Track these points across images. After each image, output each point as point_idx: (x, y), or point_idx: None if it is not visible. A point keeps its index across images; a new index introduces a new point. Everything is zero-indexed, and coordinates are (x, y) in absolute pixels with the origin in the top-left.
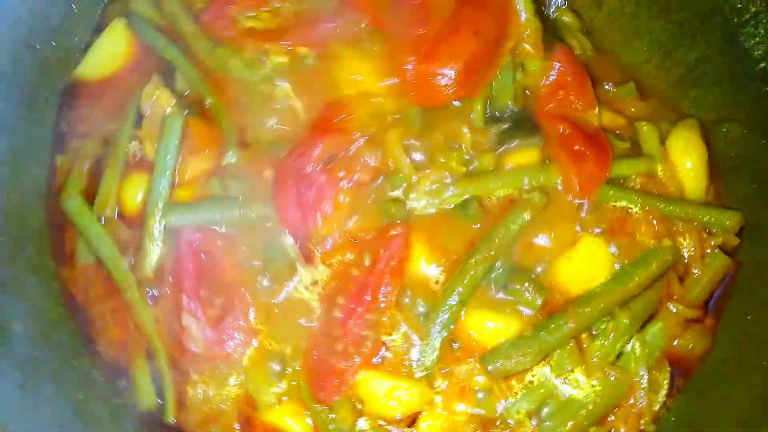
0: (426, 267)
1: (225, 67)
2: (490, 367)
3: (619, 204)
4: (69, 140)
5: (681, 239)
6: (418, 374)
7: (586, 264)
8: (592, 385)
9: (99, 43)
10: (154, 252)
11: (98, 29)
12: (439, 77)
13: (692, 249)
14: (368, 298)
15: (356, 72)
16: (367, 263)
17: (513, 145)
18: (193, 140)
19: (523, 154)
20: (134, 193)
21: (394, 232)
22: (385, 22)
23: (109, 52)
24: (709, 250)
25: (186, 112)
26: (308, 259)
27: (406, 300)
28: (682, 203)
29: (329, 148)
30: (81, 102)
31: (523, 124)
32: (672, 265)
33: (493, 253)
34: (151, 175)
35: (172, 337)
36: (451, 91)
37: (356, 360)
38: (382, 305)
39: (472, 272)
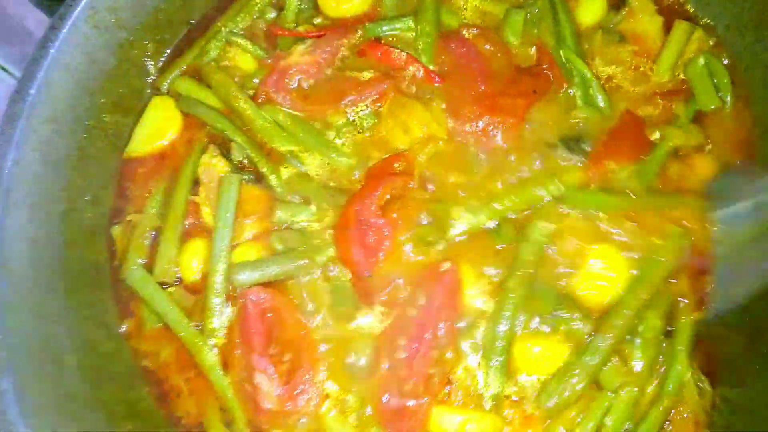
0: (475, 295)
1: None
2: (547, 405)
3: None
4: (124, 213)
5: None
6: (486, 405)
7: (602, 273)
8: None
9: (143, 120)
10: (218, 308)
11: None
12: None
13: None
14: (428, 337)
15: (422, 121)
16: (422, 302)
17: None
18: (245, 204)
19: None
20: (193, 259)
21: (445, 267)
22: (447, 79)
23: (155, 128)
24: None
25: (242, 176)
26: (368, 302)
27: (463, 331)
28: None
29: (388, 190)
30: (134, 177)
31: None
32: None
33: (529, 270)
34: (209, 240)
35: (245, 398)
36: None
37: (426, 399)
38: (444, 341)
39: (512, 295)
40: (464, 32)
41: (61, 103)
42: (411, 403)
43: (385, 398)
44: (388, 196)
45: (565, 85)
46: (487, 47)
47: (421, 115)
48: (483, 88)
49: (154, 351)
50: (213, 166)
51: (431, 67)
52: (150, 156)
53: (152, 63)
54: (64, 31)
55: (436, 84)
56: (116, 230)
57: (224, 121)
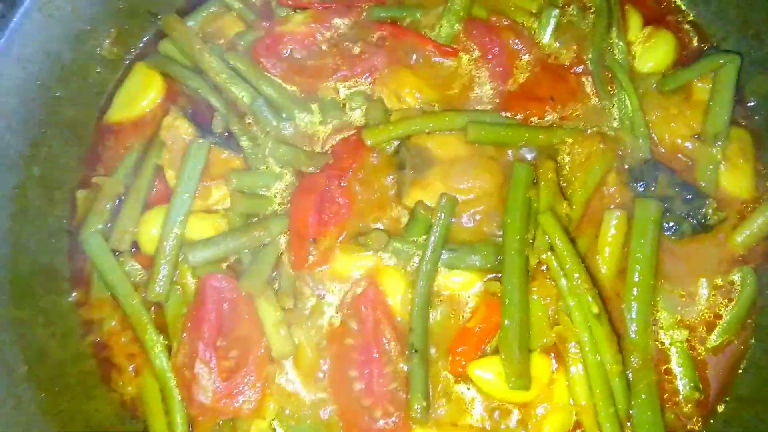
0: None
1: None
2: None
3: None
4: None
5: None
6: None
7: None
8: None
9: (123, 86)
10: (165, 275)
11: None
12: None
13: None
14: (377, 356)
15: (414, 87)
16: (355, 327)
17: None
18: (212, 168)
19: None
20: (153, 227)
21: (361, 289)
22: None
23: (135, 94)
24: None
25: (210, 140)
26: (297, 265)
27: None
28: None
29: (360, 168)
30: (109, 142)
31: None
32: None
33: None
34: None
35: (182, 383)
36: None
37: (398, 413)
38: (393, 353)
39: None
40: (493, 20)
41: (12, 98)
42: (387, 425)
43: (362, 428)
44: (360, 176)
45: (595, 99)
46: (514, 43)
47: (413, 82)
48: (499, 84)
49: (100, 320)
50: (176, 128)
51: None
52: (129, 122)
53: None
54: (15, 20)
55: (449, 54)
56: (81, 195)
57: (197, 78)
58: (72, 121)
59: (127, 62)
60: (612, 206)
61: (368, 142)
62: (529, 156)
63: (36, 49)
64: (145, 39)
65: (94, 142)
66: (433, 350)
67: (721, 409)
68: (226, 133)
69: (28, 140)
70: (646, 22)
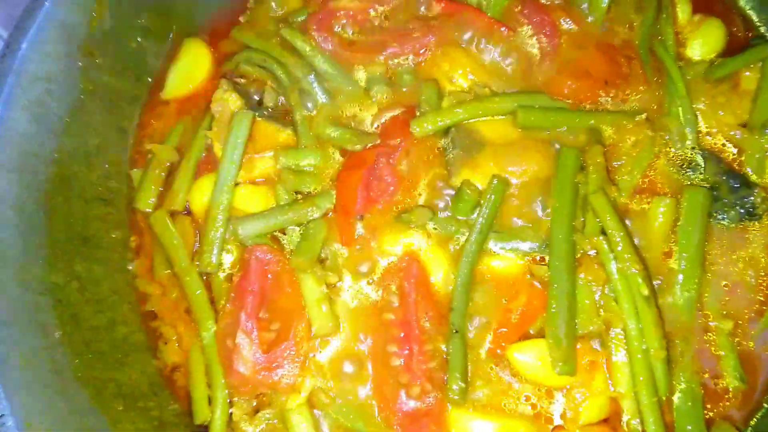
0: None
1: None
2: None
3: None
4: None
5: None
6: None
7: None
8: None
9: (176, 64)
10: (218, 243)
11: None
12: None
13: None
14: (417, 332)
15: (462, 65)
16: (395, 303)
17: None
18: (259, 141)
19: None
20: (204, 194)
21: (404, 263)
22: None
23: (187, 70)
24: None
25: (255, 112)
26: (345, 242)
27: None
28: None
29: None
30: (163, 118)
31: None
32: None
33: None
34: None
35: (223, 353)
36: None
37: (436, 394)
38: (432, 332)
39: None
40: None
41: (54, 62)
42: (423, 403)
43: (397, 408)
44: (409, 154)
45: (643, 85)
46: (565, 22)
47: (466, 62)
48: (549, 66)
49: (158, 294)
50: (225, 100)
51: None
52: (183, 98)
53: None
54: None
55: (503, 33)
56: (136, 173)
57: (254, 52)
58: (113, 91)
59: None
60: (660, 193)
61: (416, 131)
62: (575, 139)
63: (80, 16)
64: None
65: (139, 114)
66: (473, 331)
67: None
68: (276, 107)
69: (67, 107)
70: (695, 9)
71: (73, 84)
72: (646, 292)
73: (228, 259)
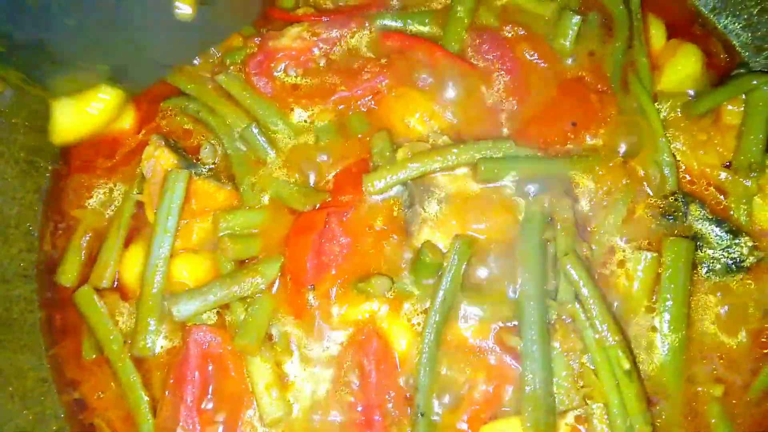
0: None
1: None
2: None
3: None
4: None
5: None
6: None
7: None
8: None
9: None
10: (152, 328)
11: None
12: None
13: None
14: (380, 417)
15: (418, 108)
16: (355, 383)
17: None
18: (198, 203)
19: None
20: (136, 265)
21: (363, 336)
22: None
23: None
24: None
25: (192, 170)
26: (298, 315)
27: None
28: None
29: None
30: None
31: None
32: None
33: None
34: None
35: None
36: None
37: None
38: (396, 413)
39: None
40: (504, 31)
41: None
42: None
43: None
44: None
45: (612, 113)
46: (529, 54)
47: (422, 105)
48: (514, 105)
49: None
50: (157, 158)
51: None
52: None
53: None
54: None
55: (462, 69)
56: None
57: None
58: (31, 151)
59: None
60: (638, 247)
61: (369, 189)
62: (541, 192)
63: None
64: None
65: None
66: (440, 411)
67: None
68: (215, 164)
69: None
70: (671, 34)
71: None
72: (627, 365)
73: (165, 340)
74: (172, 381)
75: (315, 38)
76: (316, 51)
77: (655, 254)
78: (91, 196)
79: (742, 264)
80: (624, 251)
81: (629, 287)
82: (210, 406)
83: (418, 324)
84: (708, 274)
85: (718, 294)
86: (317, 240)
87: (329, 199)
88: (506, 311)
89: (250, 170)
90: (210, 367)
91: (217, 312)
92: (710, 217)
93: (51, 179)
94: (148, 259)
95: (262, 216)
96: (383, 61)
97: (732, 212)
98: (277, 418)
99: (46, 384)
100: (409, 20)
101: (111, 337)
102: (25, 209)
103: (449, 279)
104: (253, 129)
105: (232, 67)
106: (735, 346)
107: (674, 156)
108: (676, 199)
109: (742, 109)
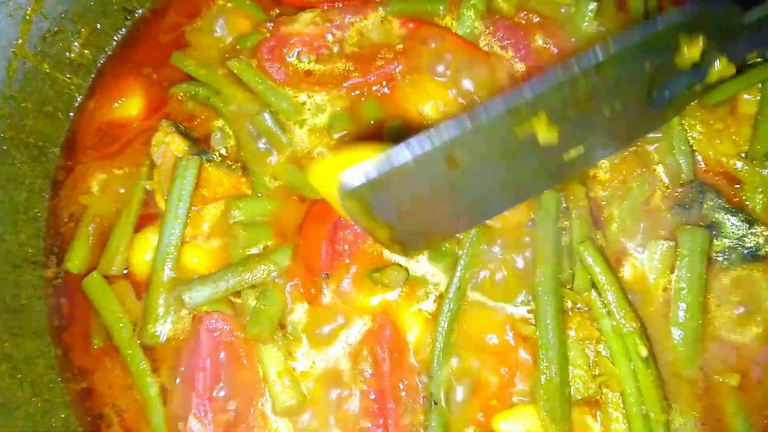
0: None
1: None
2: None
3: None
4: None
5: None
6: None
7: None
8: None
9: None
10: (161, 315)
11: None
12: None
13: None
14: (393, 405)
15: (432, 96)
16: (368, 371)
17: None
18: (208, 190)
19: None
20: (146, 252)
21: (376, 324)
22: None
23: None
24: None
25: (203, 157)
26: (309, 300)
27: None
28: None
29: None
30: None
31: None
32: None
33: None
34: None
35: None
36: None
37: None
38: (410, 402)
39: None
40: (519, 18)
41: None
42: None
43: None
44: None
45: None
46: (544, 42)
47: (436, 92)
48: None
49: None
50: (167, 144)
51: None
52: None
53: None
54: None
55: (477, 56)
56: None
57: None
58: (39, 136)
59: (100, 65)
60: (654, 236)
61: None
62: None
63: None
64: (117, 38)
65: (64, 159)
66: (454, 399)
67: None
68: (226, 150)
69: None
70: None
71: None
72: (644, 352)
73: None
74: (183, 369)
75: (328, 24)
76: (329, 37)
77: (671, 243)
78: (100, 183)
79: (758, 253)
80: (639, 240)
81: (645, 276)
82: (222, 393)
83: (432, 312)
84: (724, 263)
85: (734, 283)
86: (332, 228)
87: None
88: (521, 300)
89: (262, 157)
90: (222, 355)
91: (227, 301)
92: (726, 206)
93: (59, 165)
94: (158, 246)
95: (274, 204)
96: (398, 47)
97: (747, 201)
98: (289, 406)
99: (54, 371)
100: (422, 6)
101: (120, 325)
102: (34, 195)
103: (464, 267)
104: (266, 115)
105: (243, 53)
106: (751, 336)
107: (690, 145)
108: (691, 189)
109: (759, 98)
